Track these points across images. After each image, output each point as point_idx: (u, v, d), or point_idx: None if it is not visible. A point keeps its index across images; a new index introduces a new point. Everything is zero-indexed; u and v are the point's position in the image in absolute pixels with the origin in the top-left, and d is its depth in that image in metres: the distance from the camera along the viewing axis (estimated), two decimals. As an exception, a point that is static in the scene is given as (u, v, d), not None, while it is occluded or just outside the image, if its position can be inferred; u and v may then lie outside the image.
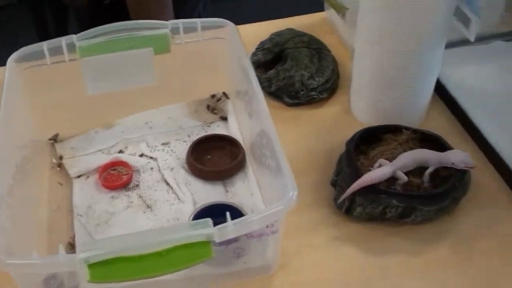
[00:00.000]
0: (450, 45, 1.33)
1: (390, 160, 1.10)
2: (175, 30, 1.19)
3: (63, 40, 1.15)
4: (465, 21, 1.19)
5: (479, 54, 1.48)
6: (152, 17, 1.22)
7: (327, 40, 1.49)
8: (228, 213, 0.86)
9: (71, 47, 1.16)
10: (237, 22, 1.24)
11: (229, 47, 1.22)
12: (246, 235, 0.91)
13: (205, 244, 0.84)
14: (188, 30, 1.20)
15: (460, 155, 1.08)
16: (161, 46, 1.19)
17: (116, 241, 0.85)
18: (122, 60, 1.19)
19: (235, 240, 0.91)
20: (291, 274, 1.03)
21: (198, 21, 1.19)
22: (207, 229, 0.84)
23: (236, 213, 1.05)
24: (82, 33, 1.17)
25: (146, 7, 1.60)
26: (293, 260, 1.05)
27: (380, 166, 1.10)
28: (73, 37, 1.16)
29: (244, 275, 1.02)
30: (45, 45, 1.15)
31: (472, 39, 1.19)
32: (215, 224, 0.84)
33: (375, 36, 1.17)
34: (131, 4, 1.60)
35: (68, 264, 0.82)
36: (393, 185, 1.09)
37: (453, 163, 1.08)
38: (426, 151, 1.11)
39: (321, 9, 1.64)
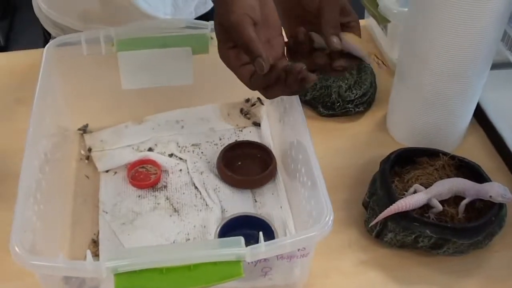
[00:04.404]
0: (491, 67, 1.30)
1: (425, 185, 1.08)
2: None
3: (101, 32, 1.14)
4: (512, 46, 1.17)
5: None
6: None
7: (365, 48, 1.45)
8: (261, 234, 0.85)
9: (109, 40, 1.14)
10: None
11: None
12: (276, 256, 0.89)
13: (236, 263, 0.82)
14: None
15: (498, 188, 1.05)
16: (200, 46, 1.17)
17: (145, 252, 0.83)
18: (160, 57, 1.17)
19: (264, 259, 0.89)
20: (315, 295, 1.01)
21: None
22: (238, 248, 0.82)
23: (265, 227, 1.04)
24: (121, 27, 1.15)
25: None
26: (319, 282, 1.03)
27: (415, 192, 1.07)
28: (111, 30, 1.14)
29: (268, 291, 1.00)
30: (82, 36, 1.14)
31: (517, 63, 1.16)
32: (243, 236, 0.83)
33: (420, 55, 1.14)
34: None
35: (94, 271, 0.80)
36: (427, 212, 1.06)
37: (490, 196, 1.05)
38: (463, 181, 1.07)
39: (361, 16, 1.61)
